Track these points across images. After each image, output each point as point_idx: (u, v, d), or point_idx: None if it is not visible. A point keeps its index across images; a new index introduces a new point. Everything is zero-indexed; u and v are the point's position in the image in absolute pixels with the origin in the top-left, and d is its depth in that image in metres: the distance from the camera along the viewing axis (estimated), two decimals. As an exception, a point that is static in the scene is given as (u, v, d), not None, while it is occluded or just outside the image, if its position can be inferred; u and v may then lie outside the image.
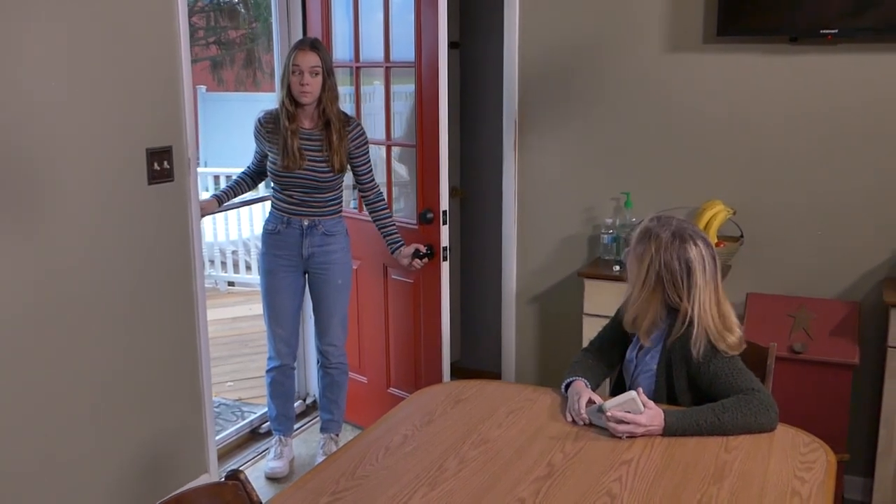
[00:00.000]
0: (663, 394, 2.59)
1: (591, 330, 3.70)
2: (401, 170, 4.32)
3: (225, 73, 18.31)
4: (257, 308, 7.14)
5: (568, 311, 4.11)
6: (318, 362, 4.10)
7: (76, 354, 3.13)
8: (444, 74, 3.75)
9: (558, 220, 4.12)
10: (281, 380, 4.07)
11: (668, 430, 2.35)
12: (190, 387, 3.67)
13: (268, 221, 3.92)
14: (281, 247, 3.86)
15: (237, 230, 8.11)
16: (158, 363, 3.48)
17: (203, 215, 3.75)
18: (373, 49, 4.18)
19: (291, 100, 3.68)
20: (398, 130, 4.27)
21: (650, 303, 2.54)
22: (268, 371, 4.08)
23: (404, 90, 4.16)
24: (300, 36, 4.34)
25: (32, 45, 2.88)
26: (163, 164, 3.41)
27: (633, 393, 2.35)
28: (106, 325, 3.23)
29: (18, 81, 2.84)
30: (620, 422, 2.34)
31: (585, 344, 3.67)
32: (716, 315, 2.49)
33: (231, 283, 8.05)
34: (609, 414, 2.34)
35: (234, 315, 6.97)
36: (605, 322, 3.50)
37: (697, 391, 2.52)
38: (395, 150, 4.29)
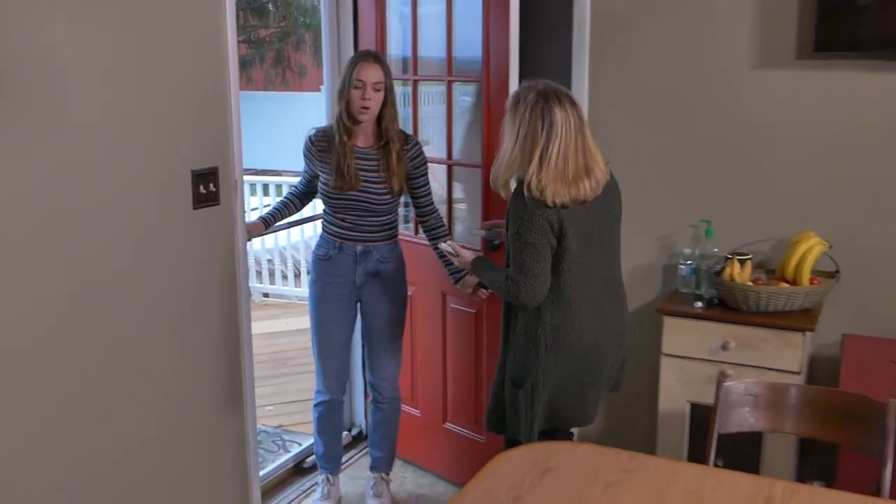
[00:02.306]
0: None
1: (669, 371, 3.42)
2: (456, 191, 4.02)
3: (254, 72, 18.12)
4: (295, 322, 6.93)
5: (640, 347, 3.79)
6: (370, 398, 3.83)
7: (115, 383, 2.86)
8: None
9: (629, 247, 3.76)
10: (329, 415, 3.79)
11: (473, 264, 3.06)
12: (233, 417, 3.39)
13: (318, 246, 3.65)
14: (333, 274, 3.59)
15: (273, 238, 7.83)
16: (200, 392, 3.21)
17: (249, 238, 3.48)
18: (431, 62, 3.90)
19: (349, 115, 3.40)
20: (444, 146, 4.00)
21: (514, 160, 2.77)
22: (315, 405, 3.80)
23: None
24: (350, 45, 4.07)
25: (70, 63, 2.60)
26: (209, 187, 3.14)
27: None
28: (148, 354, 2.96)
29: (55, 100, 2.57)
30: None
31: (663, 387, 3.44)
32: (558, 166, 2.70)
33: (266, 295, 7.77)
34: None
35: (271, 330, 6.67)
36: (688, 363, 3.30)
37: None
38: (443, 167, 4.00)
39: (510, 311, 2.97)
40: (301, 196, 3.76)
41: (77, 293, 2.70)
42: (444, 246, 3.23)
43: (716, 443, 2.81)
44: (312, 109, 16.50)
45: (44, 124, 2.54)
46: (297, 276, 7.75)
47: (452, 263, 3.58)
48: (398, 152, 3.45)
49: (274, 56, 18.29)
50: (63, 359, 2.68)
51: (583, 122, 2.78)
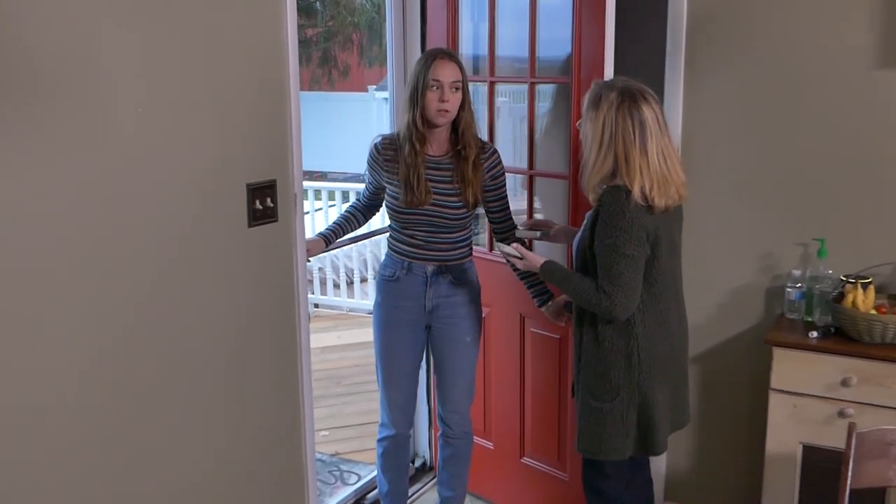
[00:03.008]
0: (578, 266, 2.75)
1: (779, 409, 3.06)
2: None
3: (300, 72, 17.92)
4: (347, 336, 6.60)
5: (738, 379, 3.42)
6: (439, 431, 3.48)
7: (163, 415, 2.56)
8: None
9: (727, 266, 3.42)
10: (395, 451, 3.45)
11: (543, 267, 2.82)
12: (290, 449, 3.07)
13: (384, 266, 3.31)
14: (400, 297, 3.24)
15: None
16: (254, 423, 2.90)
17: (308, 258, 3.15)
18: (504, 61, 3.56)
19: (424, 120, 3.05)
20: (518, 152, 3.67)
21: (605, 163, 2.59)
22: (379, 440, 3.46)
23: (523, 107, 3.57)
24: (418, 44, 3.72)
25: (114, 65, 2.29)
26: (265, 202, 2.82)
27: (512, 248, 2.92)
28: (199, 384, 2.66)
29: (95, 105, 2.25)
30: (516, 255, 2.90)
31: (771, 427, 3.11)
32: (662, 167, 2.56)
33: (316, 306, 7.44)
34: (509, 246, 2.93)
35: (322, 344, 6.32)
36: (801, 400, 3.00)
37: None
38: (519, 178, 3.65)
39: (584, 322, 2.76)
40: (364, 210, 3.43)
41: (121, 322, 2.40)
42: (505, 248, 2.93)
43: (848, 500, 2.45)
44: (359, 109, 16.31)
45: (83, 133, 2.24)
46: (350, 284, 7.43)
47: (540, 285, 3.23)
48: (474, 161, 3.10)
49: (320, 56, 18.06)
50: (110, 386, 2.39)
51: (665, 120, 2.65)
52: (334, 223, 3.41)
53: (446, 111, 3.01)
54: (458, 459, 3.45)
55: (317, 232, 3.42)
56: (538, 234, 3.22)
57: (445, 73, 2.99)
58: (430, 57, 3.04)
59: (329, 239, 3.34)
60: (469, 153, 3.08)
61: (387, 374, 3.33)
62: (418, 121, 3.03)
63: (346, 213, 3.43)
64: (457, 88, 3.02)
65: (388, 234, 3.33)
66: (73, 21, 2.17)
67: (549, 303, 3.21)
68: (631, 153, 2.55)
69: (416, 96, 3.02)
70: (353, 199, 7.42)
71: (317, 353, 6.13)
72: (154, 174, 2.43)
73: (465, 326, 3.26)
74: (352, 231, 3.45)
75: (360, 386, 5.39)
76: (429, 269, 3.19)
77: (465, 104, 3.06)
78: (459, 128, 3.08)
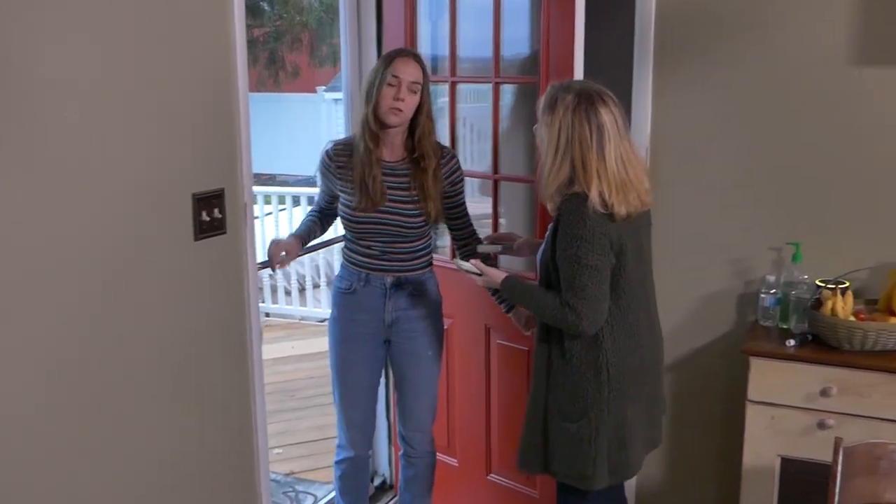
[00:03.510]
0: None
1: (757, 421, 2.95)
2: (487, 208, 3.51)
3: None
4: (301, 346, 6.39)
5: (712, 390, 3.31)
6: (400, 451, 3.30)
7: (108, 442, 2.37)
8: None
9: (697, 272, 3.30)
10: (353, 473, 3.27)
11: (504, 283, 2.65)
12: (242, 470, 2.89)
13: (340, 278, 3.13)
14: (357, 310, 3.07)
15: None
16: (204, 447, 2.72)
17: (288, 262, 3.03)
18: (465, 62, 3.41)
19: (377, 119, 2.88)
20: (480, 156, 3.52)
21: (561, 169, 2.45)
22: (337, 462, 3.28)
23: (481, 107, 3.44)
24: (374, 45, 3.56)
25: (46, 63, 2.09)
26: (213, 213, 2.63)
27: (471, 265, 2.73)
28: (140, 405, 2.46)
29: (28, 115, 2.06)
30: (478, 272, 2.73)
31: (748, 440, 2.99)
32: (620, 172, 2.43)
33: (267, 314, 7.22)
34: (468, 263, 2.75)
35: (274, 355, 6.09)
36: (779, 411, 2.89)
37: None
38: (475, 182, 3.52)
39: (550, 337, 2.59)
40: (321, 219, 3.24)
41: (58, 342, 2.20)
42: (464, 265, 2.75)
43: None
44: (307, 111, 16.07)
45: (12, 142, 2.02)
46: (302, 291, 7.23)
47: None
48: (434, 171, 2.94)
49: (268, 56, 17.79)
50: (45, 408, 2.19)
51: (626, 124, 2.51)
52: (304, 225, 3.21)
53: (399, 111, 2.84)
54: (421, 479, 3.29)
55: (289, 234, 3.21)
56: (500, 247, 3.05)
57: (407, 70, 2.83)
58: (393, 54, 2.90)
59: (304, 240, 3.15)
60: (428, 164, 2.92)
61: (344, 391, 3.15)
62: (371, 119, 2.87)
63: (310, 218, 3.24)
64: (414, 90, 2.86)
65: (342, 244, 3.15)
66: (17, 28, 1.98)
67: (516, 308, 3.07)
68: (588, 158, 2.41)
69: (372, 91, 2.86)
70: (304, 203, 7.32)
71: (268, 364, 5.85)
72: (91, 185, 2.23)
73: (426, 341, 3.10)
74: (315, 238, 3.27)
75: (313, 399, 5.21)
76: (387, 280, 3.02)
77: (423, 108, 2.90)
78: (416, 134, 2.91)
